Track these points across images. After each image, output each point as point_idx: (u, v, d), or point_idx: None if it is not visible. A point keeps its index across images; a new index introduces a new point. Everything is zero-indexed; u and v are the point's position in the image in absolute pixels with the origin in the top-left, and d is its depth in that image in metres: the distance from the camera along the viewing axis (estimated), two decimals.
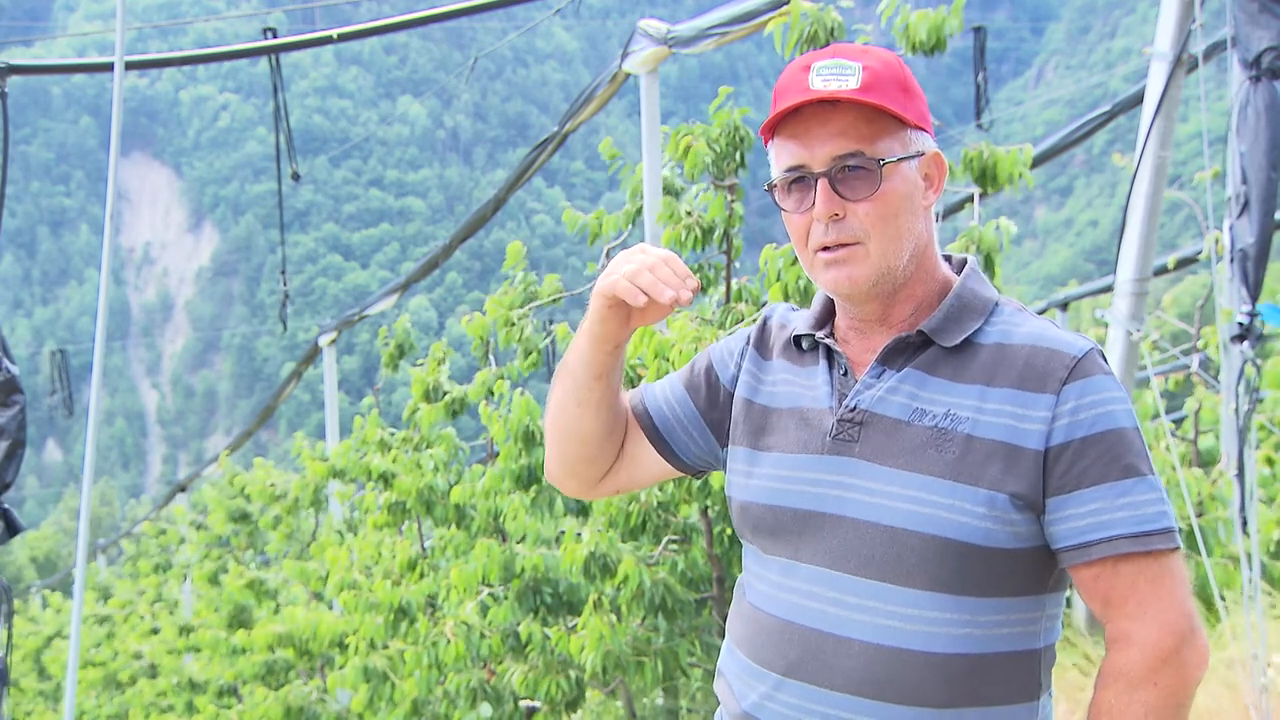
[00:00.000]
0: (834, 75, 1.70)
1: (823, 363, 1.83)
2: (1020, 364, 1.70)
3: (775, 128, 1.75)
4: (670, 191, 4.58)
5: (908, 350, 1.76)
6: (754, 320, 2.04)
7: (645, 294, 1.75)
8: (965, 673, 1.68)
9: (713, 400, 1.94)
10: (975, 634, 1.68)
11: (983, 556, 1.66)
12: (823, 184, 1.71)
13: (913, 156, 1.74)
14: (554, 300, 5.34)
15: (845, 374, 1.80)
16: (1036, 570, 1.71)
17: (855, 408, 1.76)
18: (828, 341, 1.83)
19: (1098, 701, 1.68)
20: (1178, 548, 1.67)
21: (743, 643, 1.83)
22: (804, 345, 1.88)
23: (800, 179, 1.74)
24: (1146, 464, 1.68)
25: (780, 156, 1.76)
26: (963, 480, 1.66)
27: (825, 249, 1.74)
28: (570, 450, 1.98)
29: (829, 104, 1.70)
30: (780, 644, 1.76)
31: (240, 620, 9.52)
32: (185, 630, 11.20)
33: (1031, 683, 1.73)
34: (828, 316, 1.88)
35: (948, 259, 1.86)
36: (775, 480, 1.80)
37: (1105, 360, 1.72)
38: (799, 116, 1.72)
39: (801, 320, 1.90)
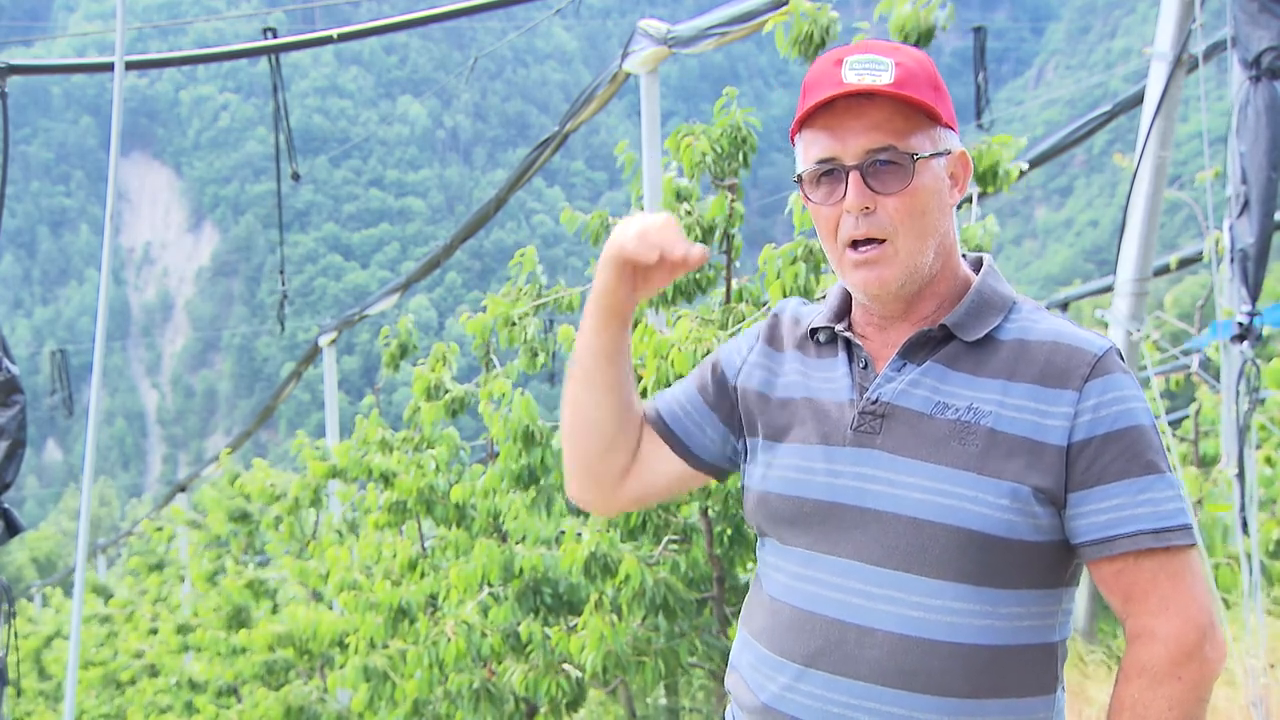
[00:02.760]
0: (867, 70, 1.70)
1: (842, 355, 1.84)
2: (1042, 360, 1.72)
3: (805, 120, 1.76)
4: (685, 198, 4.57)
5: (929, 344, 1.77)
6: (764, 316, 2.05)
7: (658, 248, 1.78)
8: (988, 663, 1.69)
9: (720, 394, 1.94)
10: (997, 625, 1.70)
11: (1005, 548, 1.68)
12: (854, 176, 1.72)
13: (942, 154, 1.76)
14: (557, 300, 5.33)
15: (865, 367, 1.81)
16: (1055, 564, 1.73)
17: (877, 400, 1.77)
18: (848, 335, 1.84)
19: (1120, 696, 1.69)
20: (1195, 544, 1.70)
21: (760, 634, 1.83)
22: (821, 338, 1.88)
23: (830, 171, 1.75)
24: (1165, 461, 1.71)
25: (810, 149, 1.77)
26: (986, 473, 1.68)
27: (854, 247, 1.75)
28: (587, 445, 1.94)
29: (863, 97, 1.71)
30: (801, 634, 1.77)
31: (239, 621, 9.51)
32: (184, 629, 11.20)
33: (1049, 676, 1.75)
34: (845, 310, 1.89)
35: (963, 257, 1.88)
36: (795, 471, 1.81)
37: (1123, 359, 1.75)
38: (831, 110, 1.73)
39: (817, 314, 1.91)
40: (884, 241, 1.73)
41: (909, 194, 1.72)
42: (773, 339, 1.94)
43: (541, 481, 5.10)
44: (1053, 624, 1.75)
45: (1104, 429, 1.68)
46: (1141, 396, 1.72)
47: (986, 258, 1.87)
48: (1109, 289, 6.15)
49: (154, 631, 13.19)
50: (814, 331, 1.89)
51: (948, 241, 1.79)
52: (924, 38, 3.89)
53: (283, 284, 8.91)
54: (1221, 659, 1.68)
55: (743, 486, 1.93)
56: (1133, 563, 1.68)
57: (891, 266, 1.74)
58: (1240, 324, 4.01)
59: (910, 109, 1.72)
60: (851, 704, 1.71)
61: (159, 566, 13.87)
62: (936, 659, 1.68)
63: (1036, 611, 1.73)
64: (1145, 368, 6.01)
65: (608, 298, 1.86)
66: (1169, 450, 5.71)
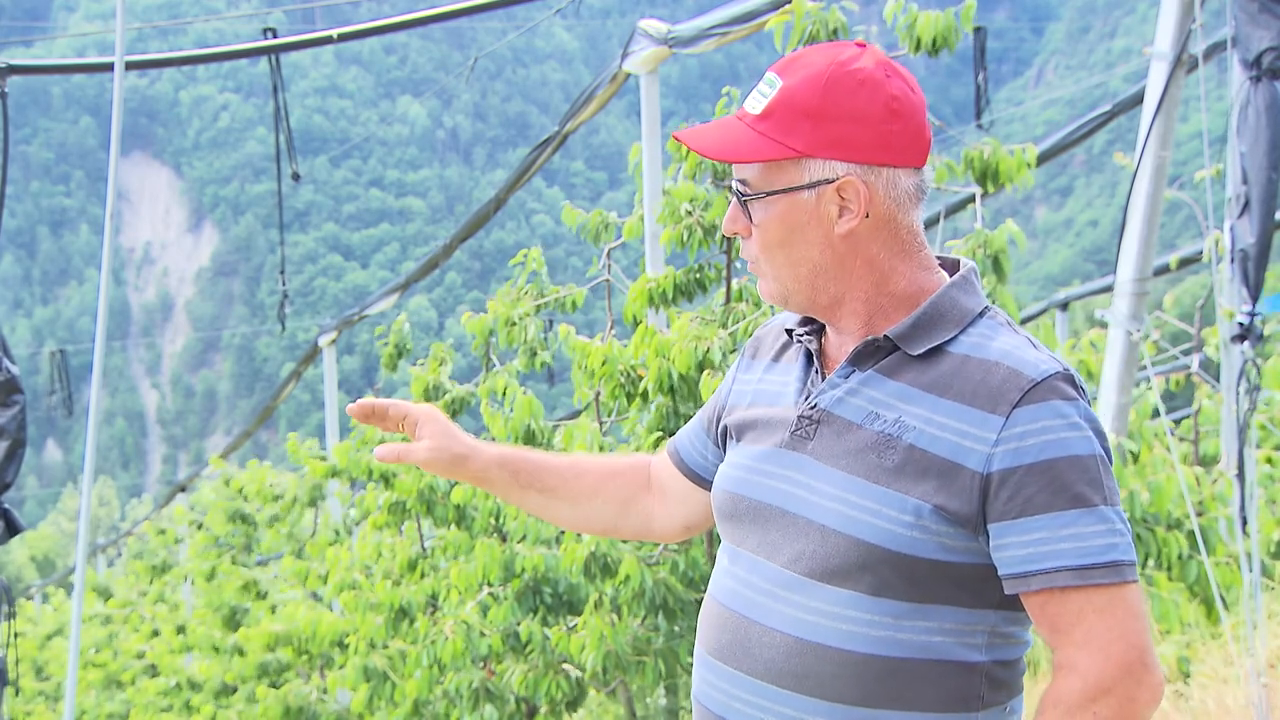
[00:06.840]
0: (761, 92, 1.72)
1: (801, 360, 1.85)
2: (977, 380, 1.66)
3: None
4: (694, 201, 4.56)
5: (878, 353, 1.74)
6: (764, 316, 2.12)
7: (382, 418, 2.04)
8: (884, 674, 1.67)
9: (714, 420, 2.00)
10: (899, 638, 1.67)
11: (907, 564, 1.65)
12: (734, 202, 1.77)
13: (807, 186, 1.70)
14: (559, 301, 5.32)
15: (818, 372, 1.81)
16: (975, 585, 1.68)
17: (815, 406, 1.76)
18: (803, 339, 1.84)
19: None
20: (1126, 581, 1.62)
21: (698, 625, 1.88)
22: (790, 342, 1.90)
23: None
24: (1100, 494, 1.62)
25: None
26: (895, 488, 1.65)
27: None
28: (608, 534, 2.19)
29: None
30: (715, 627, 1.80)
31: (235, 623, 9.51)
32: (181, 629, 11.20)
33: (970, 695, 1.69)
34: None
35: (946, 261, 1.82)
36: (739, 470, 1.83)
37: (1074, 385, 1.66)
38: None
39: (794, 319, 1.91)
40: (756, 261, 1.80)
41: (759, 228, 1.74)
42: (755, 352, 1.95)
43: None
44: (976, 644, 1.69)
45: (1029, 459, 1.61)
46: (1081, 425, 1.63)
47: (966, 266, 1.80)
48: (1109, 289, 6.15)
49: (156, 634, 13.18)
50: (788, 332, 1.91)
51: (849, 265, 1.73)
52: (948, 46, 3.88)
53: (283, 284, 8.91)
54: (1150, 702, 1.61)
55: None
56: (1057, 596, 1.62)
57: (764, 284, 1.79)
58: (1240, 324, 4.01)
59: (768, 143, 1.70)
60: (749, 700, 1.73)
61: (165, 568, 13.84)
62: (828, 664, 1.67)
63: (950, 629, 1.68)
64: (1145, 368, 6.01)
65: (459, 471, 2.05)
66: (1169, 450, 5.71)
